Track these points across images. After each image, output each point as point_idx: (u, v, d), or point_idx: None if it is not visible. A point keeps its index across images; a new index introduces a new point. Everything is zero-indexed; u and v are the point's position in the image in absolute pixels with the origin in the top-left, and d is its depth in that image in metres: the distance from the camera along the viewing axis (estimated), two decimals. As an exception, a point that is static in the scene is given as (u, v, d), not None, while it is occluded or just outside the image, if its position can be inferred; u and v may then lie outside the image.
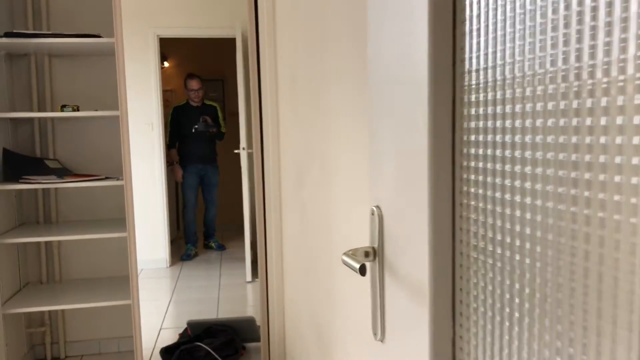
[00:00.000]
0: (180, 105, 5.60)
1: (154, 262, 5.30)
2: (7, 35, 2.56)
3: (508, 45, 0.54)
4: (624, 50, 0.40)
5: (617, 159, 0.41)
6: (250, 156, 5.02)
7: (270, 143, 2.70)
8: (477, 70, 0.59)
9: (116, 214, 3.14)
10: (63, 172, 2.93)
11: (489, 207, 0.57)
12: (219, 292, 4.50)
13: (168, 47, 6.46)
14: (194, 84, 5.47)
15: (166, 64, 6.88)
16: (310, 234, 1.96)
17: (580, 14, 0.44)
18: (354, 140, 1.30)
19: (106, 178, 2.81)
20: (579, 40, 0.45)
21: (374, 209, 0.76)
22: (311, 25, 1.76)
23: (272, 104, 2.67)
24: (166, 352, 2.98)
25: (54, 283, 3.06)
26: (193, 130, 5.46)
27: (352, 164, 1.33)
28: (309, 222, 1.99)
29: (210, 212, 5.83)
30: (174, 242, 5.89)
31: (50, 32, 2.70)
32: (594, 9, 0.43)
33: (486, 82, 0.57)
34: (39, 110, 2.99)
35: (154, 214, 5.31)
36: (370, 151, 0.81)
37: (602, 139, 0.42)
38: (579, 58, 0.45)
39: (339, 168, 1.46)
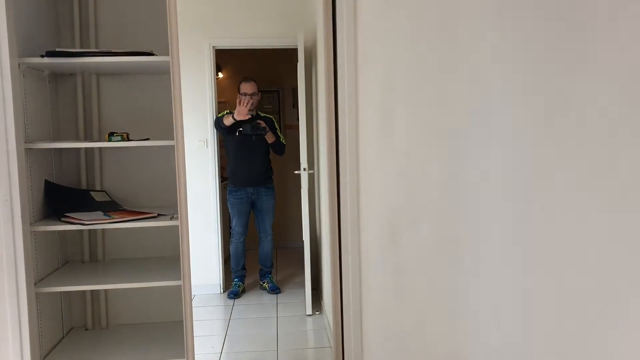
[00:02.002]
0: (234, 112, 4.64)
1: (207, 288, 4.96)
2: (49, 54, 2.23)
3: None
4: None
5: None
6: (311, 177, 4.62)
7: (348, 165, 2.27)
8: None
9: (169, 251, 2.78)
10: (110, 207, 2.60)
11: None
12: (277, 327, 4.11)
13: (222, 57, 6.13)
14: (247, 88, 4.63)
15: (220, 75, 6.58)
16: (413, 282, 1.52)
17: None
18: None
19: (159, 215, 2.45)
20: None
21: None
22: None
23: (351, 121, 2.24)
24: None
25: (100, 330, 2.73)
26: (237, 134, 4.53)
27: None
28: (407, 280, 1.56)
29: (264, 247, 4.91)
30: (227, 260, 5.40)
31: (97, 50, 2.36)
32: None
33: None
34: (86, 137, 2.66)
35: (207, 236, 4.98)
36: None
37: None
38: None
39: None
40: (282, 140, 4.81)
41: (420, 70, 1.39)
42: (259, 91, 4.78)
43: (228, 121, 4.55)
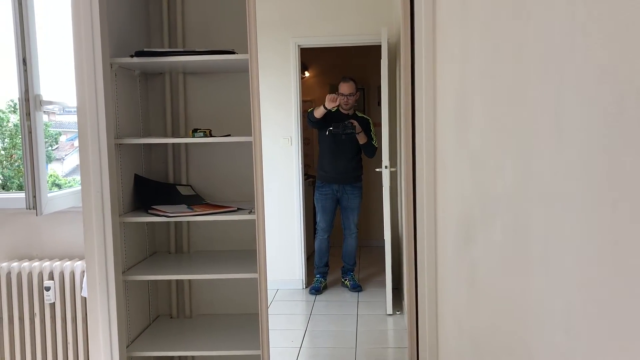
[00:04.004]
0: (330, 110, 4.59)
1: (289, 283, 5.04)
2: (138, 54, 2.35)
3: None
4: None
5: None
6: (393, 175, 4.56)
7: (425, 162, 2.20)
8: None
9: (251, 245, 2.84)
10: (194, 200, 2.70)
11: None
12: (357, 325, 4.10)
13: (308, 56, 6.19)
14: (345, 88, 4.64)
15: (307, 74, 6.65)
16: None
17: None
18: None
19: (238, 209, 2.52)
20: None
21: None
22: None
23: (428, 118, 2.17)
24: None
25: (184, 318, 2.84)
26: (327, 133, 4.54)
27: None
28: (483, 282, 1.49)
29: (348, 244, 4.89)
30: (311, 257, 5.44)
31: (181, 50, 2.46)
32: None
33: None
34: (173, 133, 2.78)
35: (290, 232, 5.05)
36: None
37: None
38: None
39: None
40: (374, 142, 4.72)
41: (494, 64, 1.32)
42: (357, 90, 4.77)
43: (319, 113, 4.56)
